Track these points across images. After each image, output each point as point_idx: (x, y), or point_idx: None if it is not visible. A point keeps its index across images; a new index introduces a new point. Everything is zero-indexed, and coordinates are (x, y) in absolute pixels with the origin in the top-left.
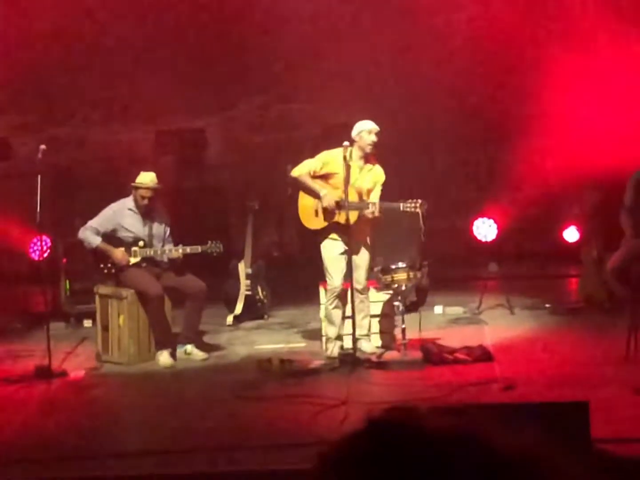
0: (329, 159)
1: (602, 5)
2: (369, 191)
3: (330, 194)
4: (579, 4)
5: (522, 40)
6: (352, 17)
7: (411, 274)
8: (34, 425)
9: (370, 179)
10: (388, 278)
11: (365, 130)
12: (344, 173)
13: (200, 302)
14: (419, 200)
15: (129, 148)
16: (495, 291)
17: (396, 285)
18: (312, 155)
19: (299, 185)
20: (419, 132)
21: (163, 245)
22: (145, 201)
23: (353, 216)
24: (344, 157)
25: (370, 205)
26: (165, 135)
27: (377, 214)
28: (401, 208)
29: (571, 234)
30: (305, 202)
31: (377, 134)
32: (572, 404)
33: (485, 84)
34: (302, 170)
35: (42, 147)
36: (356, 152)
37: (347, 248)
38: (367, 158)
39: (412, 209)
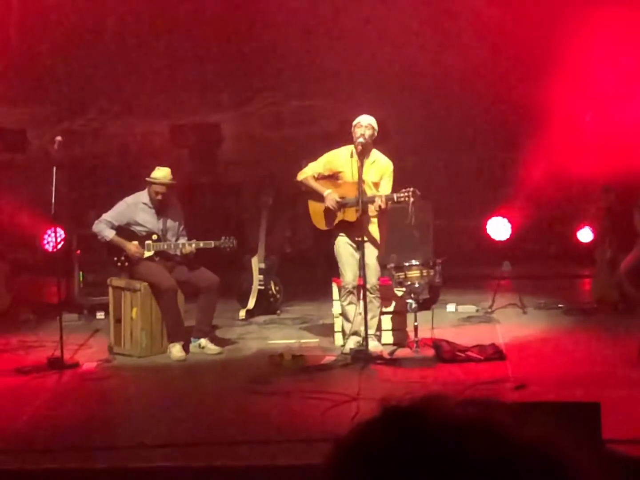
0: (331, 159)
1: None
2: (376, 185)
3: (332, 194)
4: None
5: (541, 39)
6: (368, 13)
7: (424, 272)
8: (46, 416)
9: (375, 171)
10: (401, 275)
11: (354, 126)
12: (351, 170)
13: (214, 295)
14: (411, 189)
15: (144, 141)
16: (508, 290)
17: (409, 283)
18: (326, 151)
19: (305, 190)
20: (434, 130)
21: (177, 240)
22: (159, 196)
23: (357, 212)
24: (351, 154)
25: (376, 199)
26: (180, 129)
27: (383, 205)
28: (395, 199)
29: (585, 235)
30: (314, 206)
31: (365, 126)
32: (583, 404)
33: (502, 83)
34: (306, 174)
35: (58, 138)
36: (355, 148)
37: (356, 246)
38: (364, 151)
39: (405, 198)
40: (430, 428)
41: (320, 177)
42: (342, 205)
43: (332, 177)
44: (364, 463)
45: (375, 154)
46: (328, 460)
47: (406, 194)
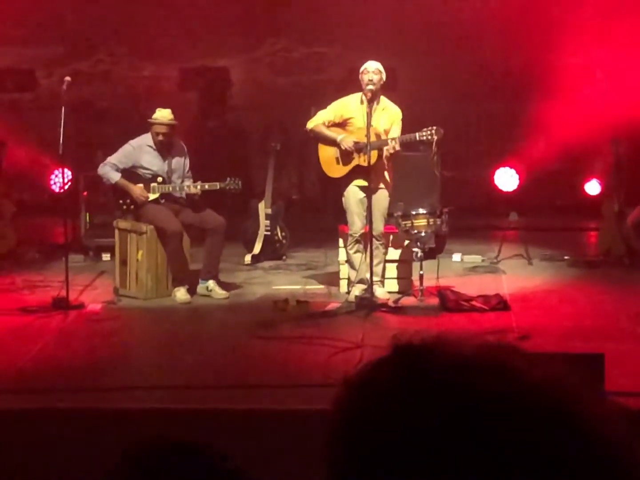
0: (342, 106)
1: None
2: (386, 132)
3: (347, 137)
4: None
5: None
6: None
7: (431, 221)
8: (49, 356)
9: (386, 118)
10: (408, 224)
11: (361, 72)
12: (362, 116)
13: (220, 237)
14: (434, 127)
15: (152, 84)
16: (514, 241)
17: (415, 232)
18: (335, 98)
19: (316, 137)
20: (442, 79)
21: (182, 181)
22: (161, 137)
23: (373, 157)
24: (361, 101)
25: (389, 141)
26: (189, 72)
27: (397, 147)
28: (417, 137)
29: (593, 187)
30: (325, 153)
31: (373, 72)
32: (587, 355)
33: (512, 34)
34: (316, 121)
35: (67, 79)
36: (364, 95)
37: (366, 193)
38: (374, 97)
39: (428, 137)
40: (441, 365)
41: (330, 125)
42: (358, 148)
43: (343, 125)
44: (373, 401)
45: (385, 102)
46: (337, 399)
47: (429, 132)
